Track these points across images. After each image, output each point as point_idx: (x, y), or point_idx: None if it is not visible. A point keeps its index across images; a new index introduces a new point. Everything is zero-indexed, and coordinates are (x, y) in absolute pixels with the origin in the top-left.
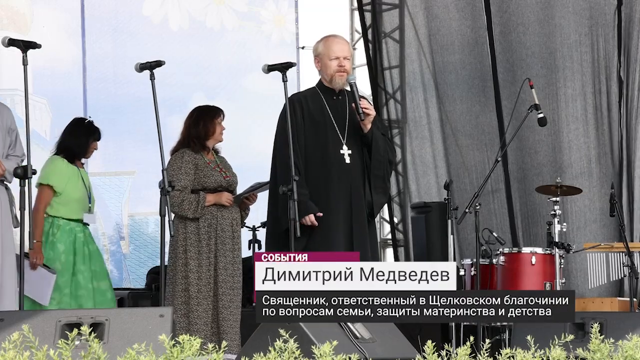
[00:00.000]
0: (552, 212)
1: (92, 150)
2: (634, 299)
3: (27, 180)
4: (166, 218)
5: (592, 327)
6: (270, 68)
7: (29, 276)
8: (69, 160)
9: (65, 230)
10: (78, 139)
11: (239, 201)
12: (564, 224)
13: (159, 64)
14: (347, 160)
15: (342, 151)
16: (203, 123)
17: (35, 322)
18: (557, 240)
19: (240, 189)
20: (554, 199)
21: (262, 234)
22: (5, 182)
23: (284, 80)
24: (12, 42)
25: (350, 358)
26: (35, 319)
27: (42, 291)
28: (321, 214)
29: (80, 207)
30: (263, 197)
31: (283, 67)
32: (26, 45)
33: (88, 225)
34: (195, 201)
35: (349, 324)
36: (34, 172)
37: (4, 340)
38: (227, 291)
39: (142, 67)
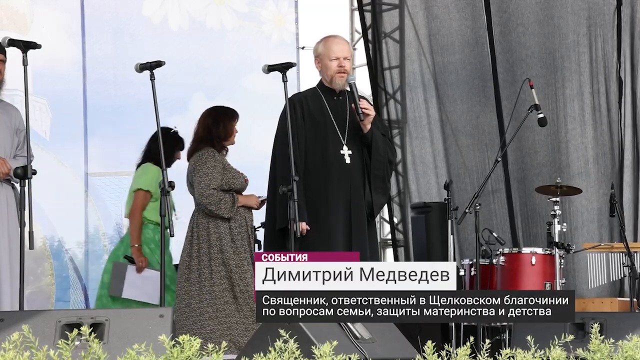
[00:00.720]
0: (552, 212)
1: (175, 159)
2: (634, 299)
3: (27, 181)
4: (166, 218)
5: (592, 327)
6: (270, 68)
7: (135, 280)
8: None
9: (157, 232)
10: (164, 148)
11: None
12: (564, 224)
13: (159, 64)
14: (347, 161)
15: (342, 151)
16: (223, 124)
17: (35, 322)
18: (557, 240)
19: None
20: (554, 199)
21: (262, 234)
22: (12, 182)
23: (284, 81)
24: (12, 43)
25: (350, 358)
26: (35, 319)
27: (153, 292)
28: (308, 228)
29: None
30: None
31: (283, 68)
32: (26, 46)
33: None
34: (231, 201)
35: (349, 324)
36: (34, 173)
37: (4, 340)
38: (249, 297)
39: (142, 68)
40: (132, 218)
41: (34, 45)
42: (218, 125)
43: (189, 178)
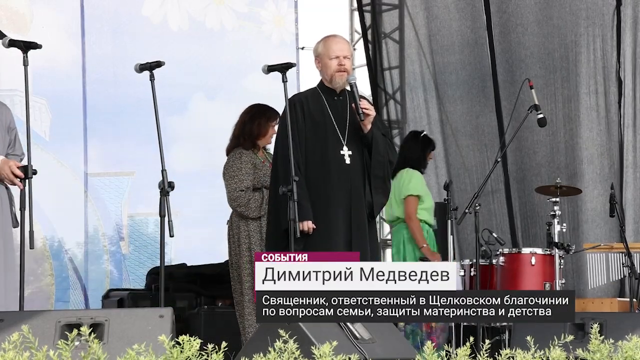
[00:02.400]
0: (552, 213)
1: (428, 160)
2: (634, 299)
3: (27, 180)
4: (166, 219)
5: (592, 328)
6: (270, 68)
7: None
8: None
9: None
10: (415, 151)
11: None
12: (564, 224)
13: (158, 64)
14: (347, 161)
15: (342, 152)
16: (258, 122)
17: (35, 323)
18: (556, 240)
19: None
20: (554, 199)
21: None
22: (5, 182)
23: (284, 81)
24: (12, 43)
25: (350, 358)
26: (35, 319)
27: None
28: (314, 227)
29: (431, 212)
30: None
31: (283, 68)
32: (27, 46)
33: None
34: (260, 200)
35: (348, 324)
36: (35, 173)
37: (4, 341)
38: None
39: (141, 68)
40: (411, 222)
41: (35, 46)
42: (253, 122)
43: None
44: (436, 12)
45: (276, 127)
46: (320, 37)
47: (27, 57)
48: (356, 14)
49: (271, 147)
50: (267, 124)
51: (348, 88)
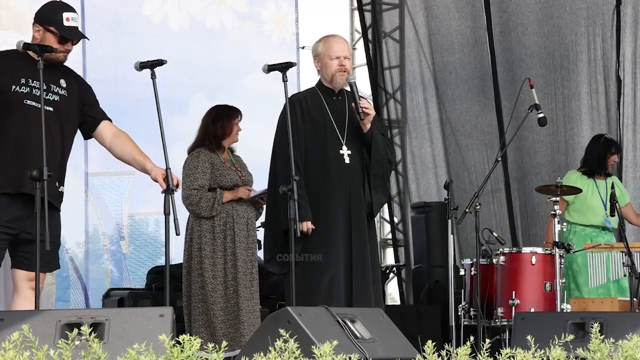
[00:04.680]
0: (552, 212)
1: (611, 163)
2: (634, 299)
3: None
4: (170, 217)
5: (592, 327)
6: (270, 68)
7: None
8: (588, 175)
9: (581, 235)
10: (596, 155)
11: (252, 201)
12: (564, 224)
13: (160, 62)
14: (347, 160)
15: (341, 151)
16: (221, 123)
17: (35, 322)
18: (557, 240)
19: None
20: (554, 199)
21: (262, 234)
22: None
23: (284, 80)
24: (27, 47)
25: (350, 358)
26: (35, 319)
27: None
28: (313, 227)
29: (595, 214)
30: None
31: (283, 67)
32: (42, 49)
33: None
34: (212, 199)
35: (348, 323)
36: (49, 175)
37: (4, 340)
38: (244, 289)
39: (142, 66)
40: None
41: (50, 49)
42: (215, 123)
43: None
44: (436, 12)
45: (239, 125)
46: (320, 36)
47: (41, 60)
48: (356, 13)
49: (247, 149)
50: (230, 122)
51: (347, 88)
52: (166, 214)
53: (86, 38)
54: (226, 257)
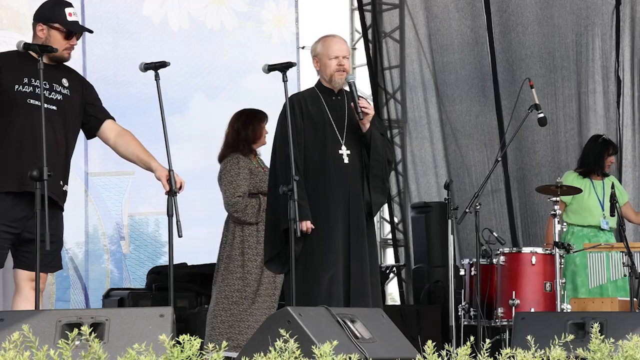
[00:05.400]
0: (552, 212)
1: (608, 164)
2: (634, 299)
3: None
4: (173, 218)
5: (592, 327)
6: (270, 68)
7: None
8: (584, 175)
9: (579, 236)
10: (594, 155)
11: None
12: (564, 224)
13: (164, 64)
14: (346, 160)
15: (340, 151)
16: (252, 127)
17: (36, 322)
18: (557, 240)
19: None
20: (554, 199)
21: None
22: None
23: (284, 80)
24: (27, 46)
25: (350, 358)
26: (35, 319)
27: None
28: (313, 227)
29: (591, 214)
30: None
31: (283, 67)
32: (42, 50)
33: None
34: (257, 206)
35: (348, 323)
36: (50, 175)
37: (4, 340)
38: (266, 298)
39: (146, 67)
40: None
41: (50, 49)
42: (247, 128)
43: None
44: (436, 12)
45: (266, 127)
46: (320, 36)
47: (42, 60)
48: (356, 13)
49: (264, 153)
50: (259, 126)
51: (347, 88)
52: (169, 215)
53: (90, 31)
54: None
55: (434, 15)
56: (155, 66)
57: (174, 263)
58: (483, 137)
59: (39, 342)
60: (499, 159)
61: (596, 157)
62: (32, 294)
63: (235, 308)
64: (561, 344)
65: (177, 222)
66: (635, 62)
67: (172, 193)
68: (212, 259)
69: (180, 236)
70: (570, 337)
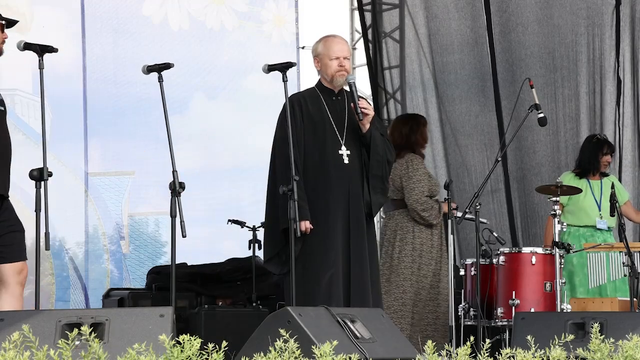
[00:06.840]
0: (552, 212)
1: (604, 163)
2: (634, 299)
3: (42, 182)
4: (177, 219)
5: (592, 327)
6: (270, 68)
7: None
8: (581, 176)
9: (575, 236)
10: (588, 155)
11: None
12: (564, 224)
13: (167, 66)
14: (346, 161)
15: (340, 151)
16: (420, 132)
17: (36, 322)
18: (557, 240)
19: None
20: (554, 199)
21: (262, 234)
22: None
23: (284, 80)
24: (28, 46)
25: (350, 358)
26: (35, 319)
27: None
28: (312, 227)
29: (587, 215)
30: (263, 197)
31: (283, 67)
32: (42, 49)
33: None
34: (438, 208)
35: (348, 323)
36: (50, 175)
37: (4, 340)
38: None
39: (149, 70)
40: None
41: (51, 49)
42: (415, 132)
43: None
44: (436, 12)
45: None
46: (320, 36)
47: (42, 60)
48: (356, 13)
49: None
50: (425, 130)
51: (347, 88)
52: (172, 216)
53: (16, 21)
54: (442, 265)
55: (434, 15)
56: (159, 68)
57: (176, 263)
58: (483, 137)
59: (39, 342)
60: (499, 159)
61: (591, 157)
62: (19, 290)
63: (403, 309)
64: (561, 344)
65: (181, 222)
66: (635, 62)
67: (175, 193)
68: (212, 259)
69: (184, 236)
70: (570, 337)
